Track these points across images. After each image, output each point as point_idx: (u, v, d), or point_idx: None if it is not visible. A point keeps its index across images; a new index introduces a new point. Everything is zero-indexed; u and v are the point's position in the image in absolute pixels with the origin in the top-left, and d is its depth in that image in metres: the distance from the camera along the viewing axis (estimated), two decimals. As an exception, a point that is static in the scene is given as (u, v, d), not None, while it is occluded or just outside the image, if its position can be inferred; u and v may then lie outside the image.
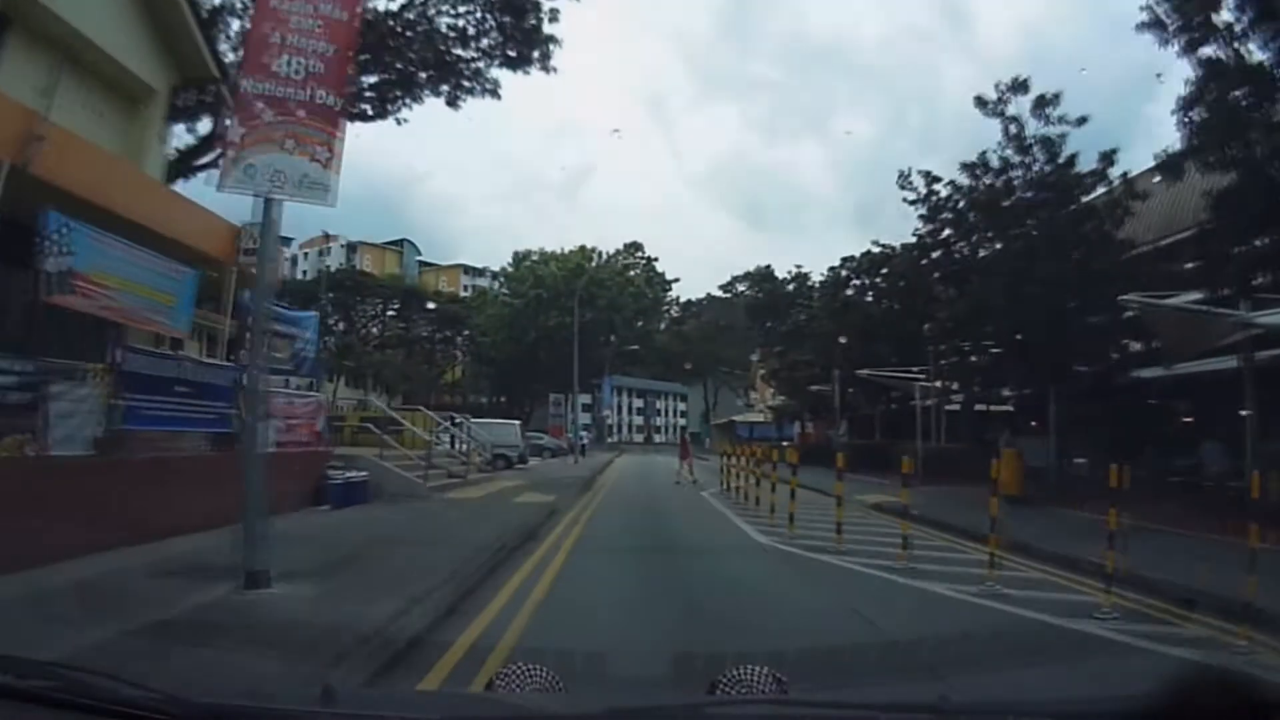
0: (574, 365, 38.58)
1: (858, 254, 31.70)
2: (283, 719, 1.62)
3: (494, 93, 27.67)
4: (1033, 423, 25.08)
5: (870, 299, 31.02)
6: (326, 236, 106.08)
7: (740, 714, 1.83)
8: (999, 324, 17.33)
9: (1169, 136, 20.12)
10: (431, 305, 71.73)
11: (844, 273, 31.98)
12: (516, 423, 30.30)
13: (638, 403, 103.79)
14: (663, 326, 74.81)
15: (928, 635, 6.37)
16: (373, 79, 27.94)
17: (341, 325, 72.53)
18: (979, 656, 5.81)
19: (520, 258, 69.86)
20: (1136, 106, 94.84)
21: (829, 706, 1.83)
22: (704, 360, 78.75)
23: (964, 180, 18.95)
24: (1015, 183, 19.50)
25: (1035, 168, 19.52)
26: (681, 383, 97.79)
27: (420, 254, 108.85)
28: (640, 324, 69.83)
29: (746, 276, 76.71)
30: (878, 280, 31.31)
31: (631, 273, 68.11)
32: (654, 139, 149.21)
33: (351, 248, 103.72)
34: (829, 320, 33.07)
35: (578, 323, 67.39)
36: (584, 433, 51.80)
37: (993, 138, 19.70)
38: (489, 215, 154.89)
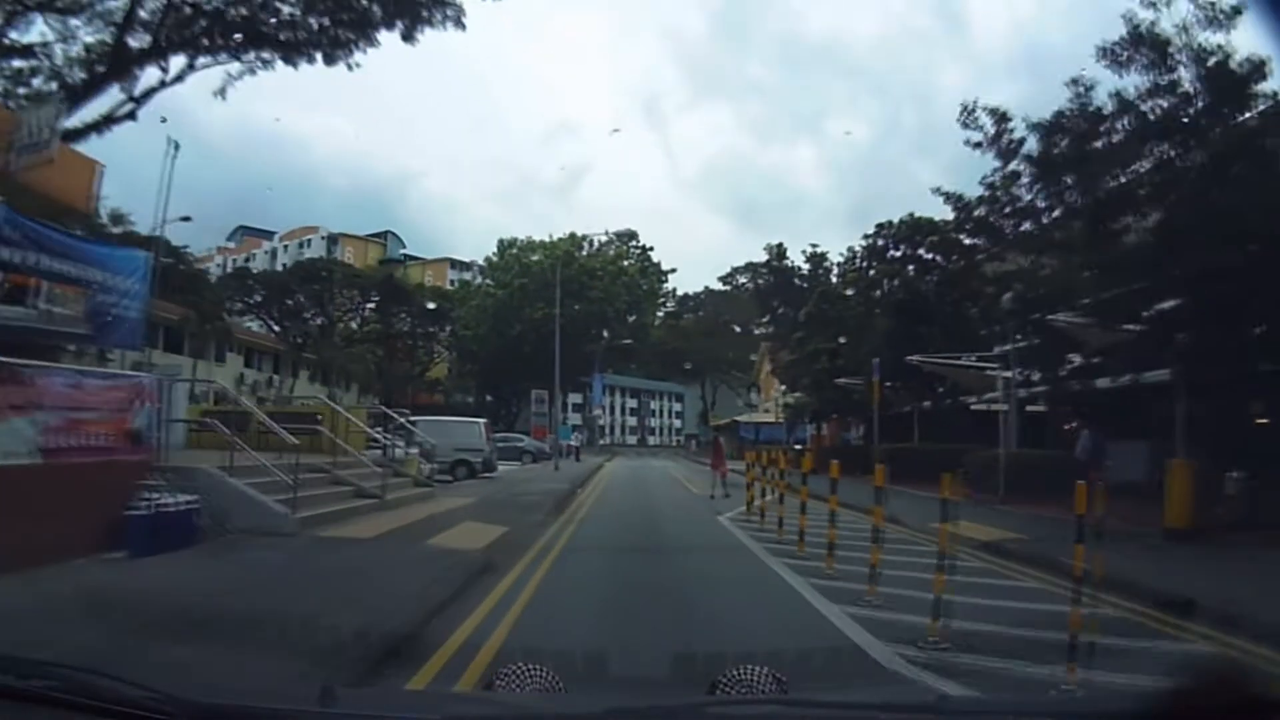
0: (556, 355, 32.73)
1: (895, 219, 25.96)
2: (283, 719, 1.61)
3: (457, 21, 22.19)
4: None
5: (912, 271, 25.17)
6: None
7: (740, 714, 1.80)
8: (1178, 274, 11.36)
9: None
10: (432, 305, 65.18)
11: (879, 241, 26.20)
12: (480, 421, 24.41)
13: (631, 402, 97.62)
14: (658, 320, 68.75)
15: None
16: (322, 20, 22.53)
17: (320, 319, 66.87)
18: None
19: (505, 245, 63.93)
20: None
21: (829, 706, 1.81)
22: (702, 357, 72.80)
23: (1104, 69, 13.08)
24: (1159, 85, 13.62)
25: (1179, 73, 13.68)
26: (678, 382, 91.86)
27: (405, 247, 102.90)
28: (634, 318, 63.88)
29: (748, 268, 70.84)
30: (920, 251, 25.49)
31: (625, 262, 62.16)
32: (649, 139, 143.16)
33: (333, 239, 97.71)
34: (862, 301, 27.25)
35: (565, 314, 61.39)
36: (575, 434, 45.87)
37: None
38: (482, 216, 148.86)
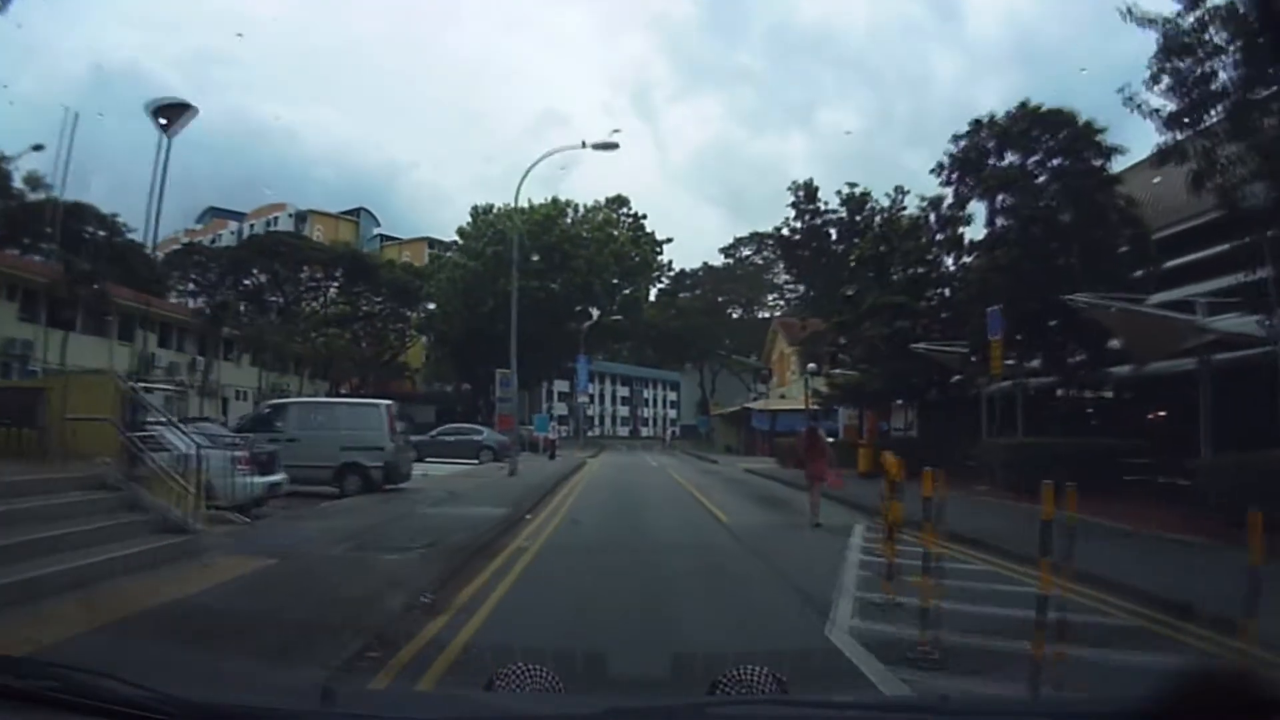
0: (512, 323, 24.30)
1: (1000, 112, 17.29)
2: (283, 719, 1.57)
3: None
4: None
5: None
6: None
7: (741, 714, 1.71)
8: None
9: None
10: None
11: (980, 141, 17.51)
12: (381, 404, 15.24)
13: (622, 391, 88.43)
14: (653, 296, 59.68)
15: None
16: None
17: (280, 299, 58.36)
18: None
19: (479, 212, 54.82)
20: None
21: (829, 706, 1.78)
22: (701, 340, 64.00)
23: None
24: None
25: None
26: (672, 369, 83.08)
27: (379, 225, 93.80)
28: (626, 292, 54.95)
29: (753, 238, 61.91)
30: (1040, 155, 16.83)
31: (614, 231, 53.19)
32: (639, 129, 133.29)
33: (301, 217, 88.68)
34: (948, 240, 18.59)
35: (544, 289, 52.35)
36: (554, 425, 37.05)
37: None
38: (471, 205, 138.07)
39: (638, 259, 53.86)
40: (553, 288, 51.42)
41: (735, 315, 66.28)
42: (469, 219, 55.42)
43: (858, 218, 27.79)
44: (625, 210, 56.09)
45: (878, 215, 26.93)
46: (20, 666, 1.53)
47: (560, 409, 77.16)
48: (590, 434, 74.18)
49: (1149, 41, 11.99)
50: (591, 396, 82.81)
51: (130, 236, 44.66)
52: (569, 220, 53.37)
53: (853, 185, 27.94)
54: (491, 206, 55.04)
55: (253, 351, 46.32)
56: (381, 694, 3.15)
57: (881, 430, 30.98)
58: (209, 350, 43.23)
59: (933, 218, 21.14)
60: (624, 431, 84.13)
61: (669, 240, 56.16)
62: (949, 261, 20.85)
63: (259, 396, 49.64)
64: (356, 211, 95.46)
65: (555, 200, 53.81)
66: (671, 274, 58.12)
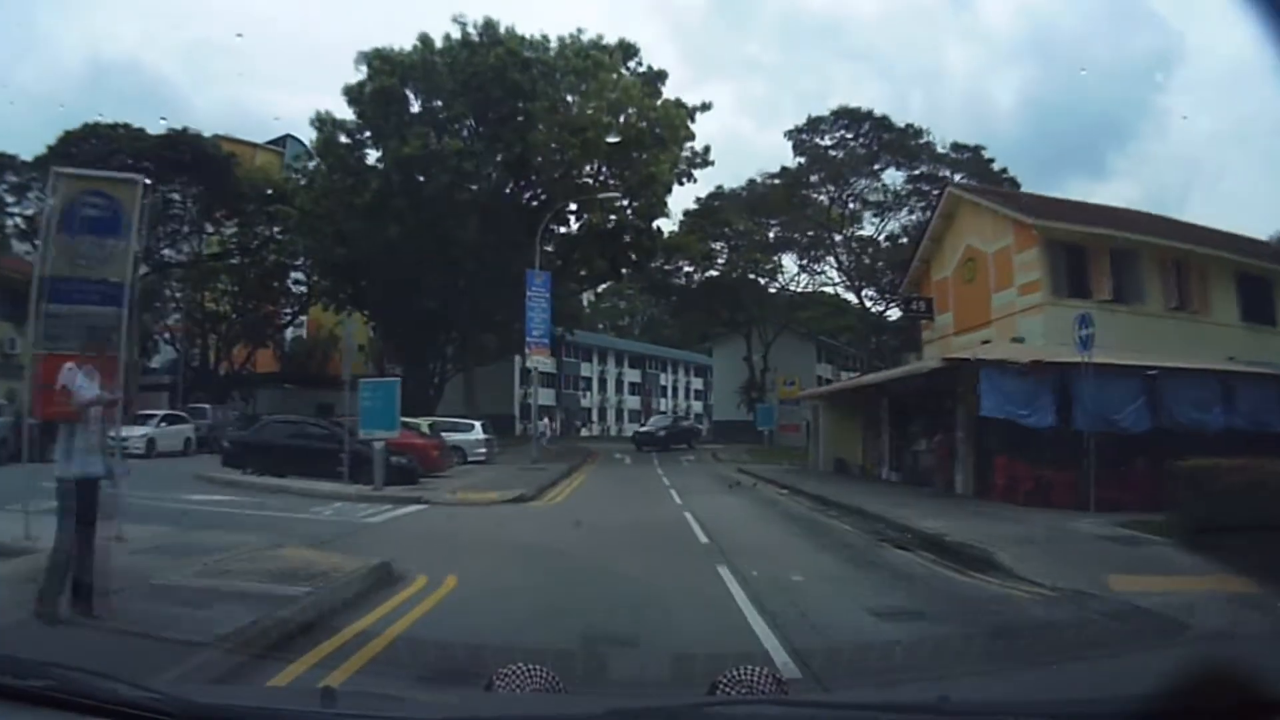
0: None
1: None
2: (283, 719, 1.54)
3: None
4: None
5: None
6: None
7: (741, 714, 1.72)
8: None
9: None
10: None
11: None
12: None
13: (632, 374, 63.84)
14: (675, 210, 34.70)
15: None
16: None
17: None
18: None
19: (376, 58, 30.14)
20: (1146, 96, 71.78)
21: (829, 706, 1.76)
22: (748, 291, 39.88)
23: None
24: None
25: None
26: (696, 348, 58.89)
27: (313, 158, 69.07)
28: (634, 206, 30.76)
29: (844, 116, 37.53)
30: None
31: (605, 62, 28.75)
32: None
33: (212, 146, 64.76)
34: None
35: (477, 162, 28.06)
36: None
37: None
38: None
39: (652, 128, 29.37)
40: (492, 174, 27.47)
41: (791, 267, 41.34)
42: (362, 72, 30.60)
43: None
44: (633, 64, 31.67)
45: None
46: (20, 667, 1.49)
47: (547, 396, 52.88)
48: (585, 432, 50.21)
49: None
50: (588, 380, 58.54)
51: None
52: (529, 58, 29.12)
53: None
54: (404, 50, 30.60)
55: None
56: (382, 694, 2.87)
57: None
58: None
59: None
60: (633, 429, 59.59)
61: (706, 107, 31.66)
62: None
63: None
64: (282, 140, 70.04)
65: (512, 33, 29.71)
66: (705, 163, 32.90)
